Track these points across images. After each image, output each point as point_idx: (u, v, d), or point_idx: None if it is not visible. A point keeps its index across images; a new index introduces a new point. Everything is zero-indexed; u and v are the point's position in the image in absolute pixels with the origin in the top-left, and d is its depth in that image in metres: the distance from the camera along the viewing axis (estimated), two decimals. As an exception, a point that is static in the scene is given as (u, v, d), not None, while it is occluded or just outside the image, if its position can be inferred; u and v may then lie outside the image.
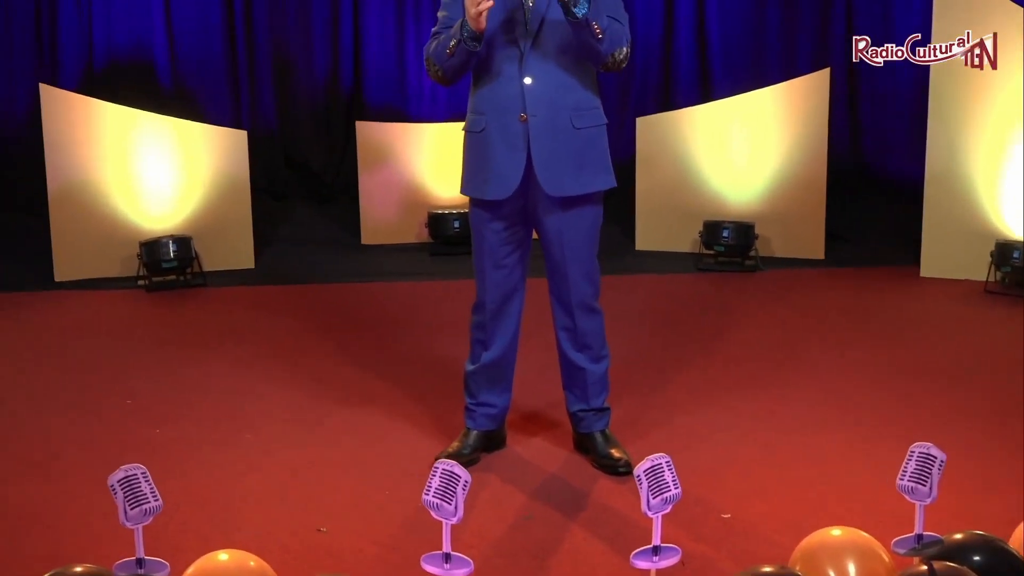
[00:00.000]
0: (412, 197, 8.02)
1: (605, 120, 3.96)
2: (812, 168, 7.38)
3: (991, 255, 6.65)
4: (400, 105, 9.48)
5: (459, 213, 7.74)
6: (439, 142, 7.98)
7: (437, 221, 7.81)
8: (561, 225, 3.91)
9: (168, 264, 6.91)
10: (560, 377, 4.17)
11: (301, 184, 9.47)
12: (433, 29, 3.93)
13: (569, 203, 3.89)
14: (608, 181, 3.97)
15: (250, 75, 9.40)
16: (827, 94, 7.33)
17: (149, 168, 7.16)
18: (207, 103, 9.19)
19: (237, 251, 7.33)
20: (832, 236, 7.58)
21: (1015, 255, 6.52)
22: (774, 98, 7.49)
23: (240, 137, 7.32)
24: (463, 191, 4.01)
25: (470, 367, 4.16)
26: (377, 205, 7.99)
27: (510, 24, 3.77)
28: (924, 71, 9.14)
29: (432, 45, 3.87)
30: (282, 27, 9.43)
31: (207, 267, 7.13)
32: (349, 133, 9.29)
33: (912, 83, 8.95)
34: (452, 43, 3.70)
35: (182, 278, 6.98)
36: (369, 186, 7.96)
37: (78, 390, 5.00)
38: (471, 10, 3.57)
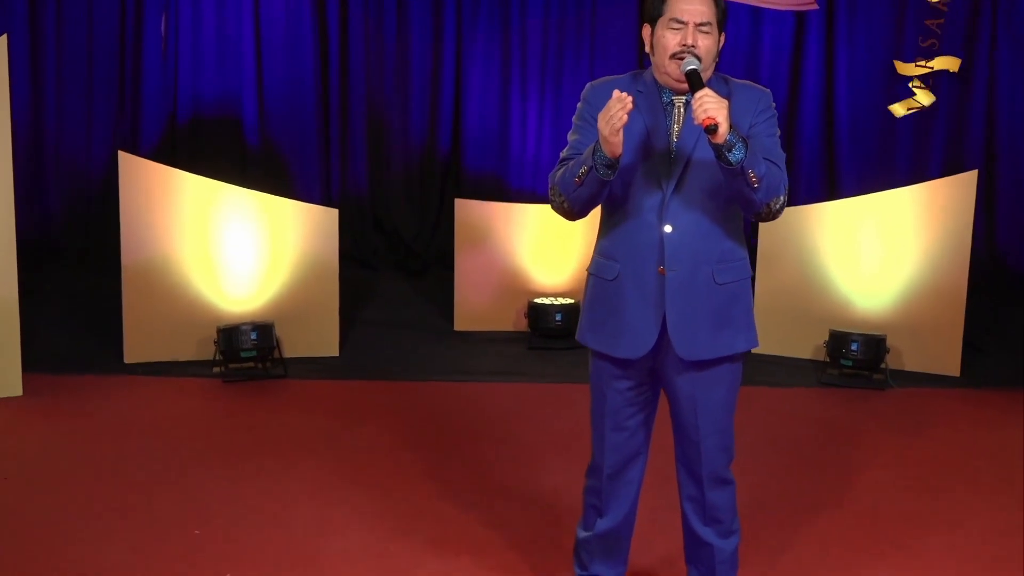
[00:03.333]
0: (511, 282, 7.72)
1: (750, 272, 3.64)
2: (951, 276, 6.95)
3: None
4: (500, 173, 9.23)
5: (561, 305, 7.45)
6: (542, 224, 7.67)
7: (537, 312, 7.50)
8: (695, 389, 3.56)
9: (247, 353, 6.67)
10: (683, 548, 3.84)
11: (390, 253, 9.24)
12: (561, 154, 3.58)
13: (705, 364, 3.55)
14: (750, 341, 3.62)
15: (342, 134, 9.21)
16: (973, 198, 6.92)
17: (231, 245, 6.93)
18: (295, 163, 9.03)
19: (322, 338, 7.06)
20: (969, 346, 7.15)
21: None
22: (913, 199, 7.07)
23: (331, 216, 7.04)
24: (584, 340, 3.64)
25: (582, 534, 3.84)
26: (473, 289, 7.70)
27: (651, 161, 3.42)
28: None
29: (558, 172, 3.50)
30: (379, 86, 9.23)
31: (289, 352, 6.88)
32: (444, 202, 9.10)
33: None
34: (582, 170, 3.33)
35: (261, 366, 6.74)
36: (466, 267, 7.68)
37: (137, 508, 4.67)
38: (604, 128, 3.21)
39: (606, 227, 3.60)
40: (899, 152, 9.15)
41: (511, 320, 7.72)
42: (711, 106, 3.15)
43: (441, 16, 9.13)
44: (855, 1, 9.22)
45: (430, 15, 9.13)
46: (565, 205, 3.49)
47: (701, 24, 3.38)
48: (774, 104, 3.54)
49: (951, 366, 7.05)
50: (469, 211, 7.70)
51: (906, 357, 7.08)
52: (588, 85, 3.62)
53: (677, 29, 3.38)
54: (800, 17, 9.16)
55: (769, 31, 9.30)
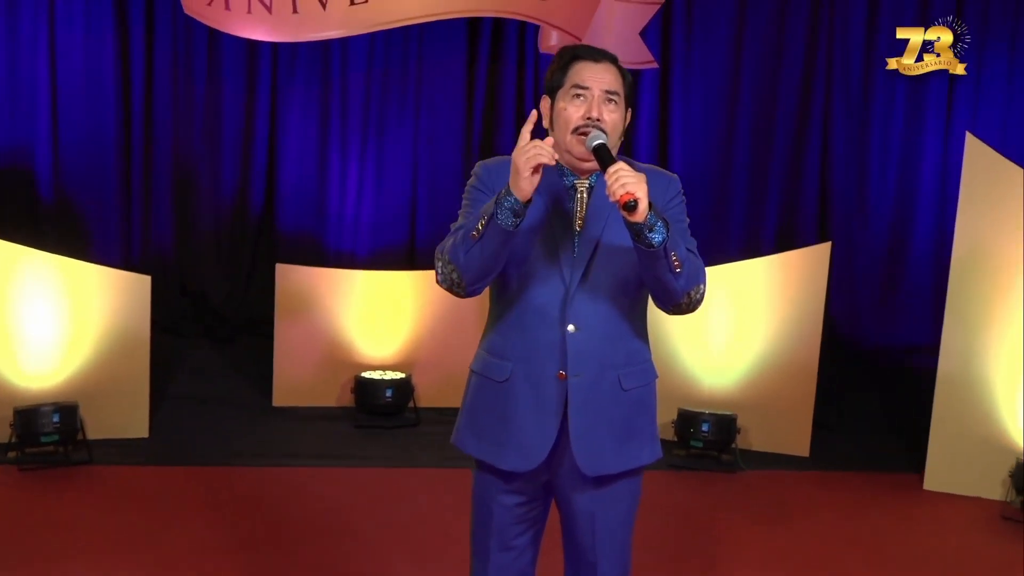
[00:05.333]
0: (335, 354, 7.35)
1: (656, 374, 3.38)
2: (803, 352, 6.88)
3: (1011, 475, 6.22)
4: (318, 234, 8.84)
5: (392, 380, 7.12)
6: (370, 292, 7.34)
7: (365, 387, 7.14)
8: (594, 507, 3.27)
9: (48, 438, 6.12)
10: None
11: (197, 319, 8.74)
12: (452, 225, 3.23)
13: (606, 479, 3.28)
14: (655, 452, 3.36)
15: (146, 190, 8.67)
16: (826, 270, 6.89)
17: (28, 315, 6.39)
18: (94, 220, 8.46)
19: (130, 418, 6.56)
20: (819, 426, 7.09)
21: (1042, 482, 6.09)
22: (764, 270, 6.99)
23: (142, 283, 6.56)
24: (464, 446, 3.32)
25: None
26: (294, 361, 7.30)
27: (552, 250, 3.13)
28: (942, 255, 9.05)
29: (448, 241, 3.13)
30: (187, 137, 8.73)
31: (94, 434, 6.35)
32: (256, 264, 8.68)
33: (923, 265, 8.88)
34: (481, 222, 2.97)
35: (63, 451, 6.21)
36: (286, 338, 7.27)
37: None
38: (520, 161, 2.88)
39: (497, 321, 3.29)
40: (733, 217, 9.13)
41: (334, 395, 7.36)
42: (629, 181, 2.85)
43: (256, 63, 8.71)
44: (691, 58, 9.19)
45: (244, 62, 8.69)
46: (455, 275, 3.10)
47: (608, 92, 3.12)
48: (683, 190, 3.30)
49: (800, 446, 6.98)
50: (291, 277, 7.32)
51: (754, 436, 6.98)
52: (479, 164, 3.29)
53: (580, 98, 3.11)
54: (632, 75, 9.05)
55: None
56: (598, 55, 3.19)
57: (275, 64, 8.73)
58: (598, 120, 3.09)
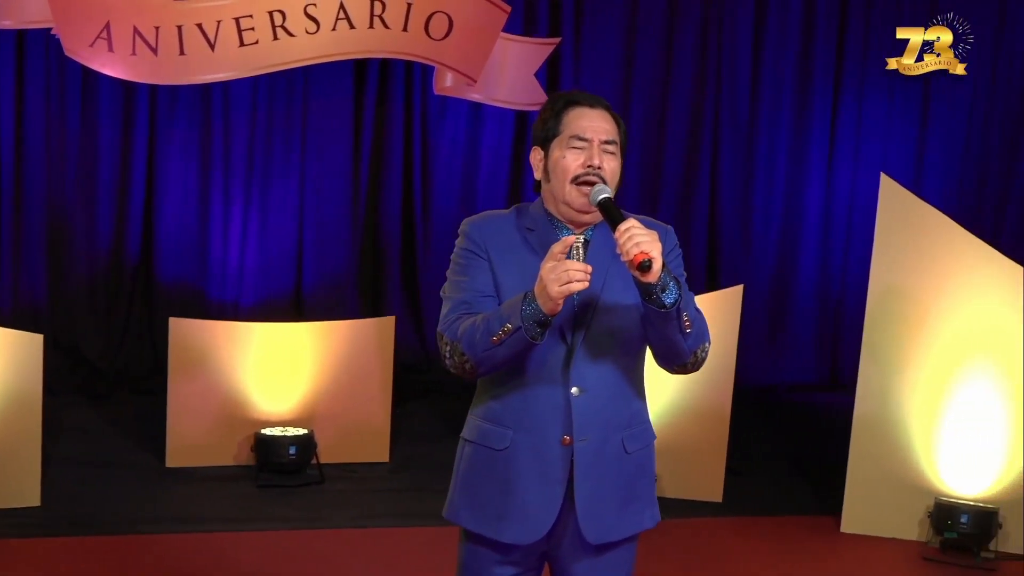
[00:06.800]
0: (233, 411, 7.08)
1: (655, 435, 3.30)
2: (715, 396, 6.85)
3: (929, 516, 6.28)
4: (199, 283, 8.60)
5: (295, 436, 6.90)
6: (267, 345, 7.11)
7: (267, 445, 6.88)
8: (594, 575, 3.20)
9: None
10: None
11: (71, 374, 8.40)
12: (453, 297, 3.12)
13: (607, 546, 3.18)
14: (655, 517, 3.28)
15: (15, 237, 8.35)
16: (738, 314, 6.89)
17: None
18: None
19: (20, 486, 6.20)
20: (731, 472, 7.08)
21: (963, 519, 6.13)
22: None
23: (34, 342, 6.23)
24: (458, 519, 3.20)
25: None
26: (189, 418, 7.00)
27: None
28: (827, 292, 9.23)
29: (461, 325, 3.00)
30: (59, 182, 8.43)
31: (-18, 507, 6.04)
32: (132, 315, 8.39)
33: (807, 302, 9.03)
34: (505, 327, 2.86)
35: (-52, 526, 5.88)
36: (180, 394, 6.98)
37: None
38: (553, 283, 2.77)
39: (493, 386, 3.15)
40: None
41: (232, 453, 7.09)
42: (643, 239, 2.79)
43: (133, 105, 8.42)
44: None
45: (120, 104, 8.41)
46: (468, 366, 3.00)
47: (606, 142, 3.05)
48: (679, 241, 3.23)
49: (714, 492, 6.93)
50: (184, 330, 7.04)
51: (667, 483, 6.91)
52: (466, 221, 3.18)
53: (579, 149, 3.03)
54: (523, 115, 9.03)
55: (490, 128, 9.12)
56: (593, 101, 3.13)
57: (153, 106, 8.47)
58: (599, 168, 3.01)
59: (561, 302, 2.81)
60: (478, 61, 8.06)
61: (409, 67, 8.81)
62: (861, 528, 6.47)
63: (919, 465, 6.40)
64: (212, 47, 7.46)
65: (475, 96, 8.47)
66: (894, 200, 6.37)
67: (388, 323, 7.29)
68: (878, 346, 6.41)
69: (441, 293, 3.17)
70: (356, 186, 8.93)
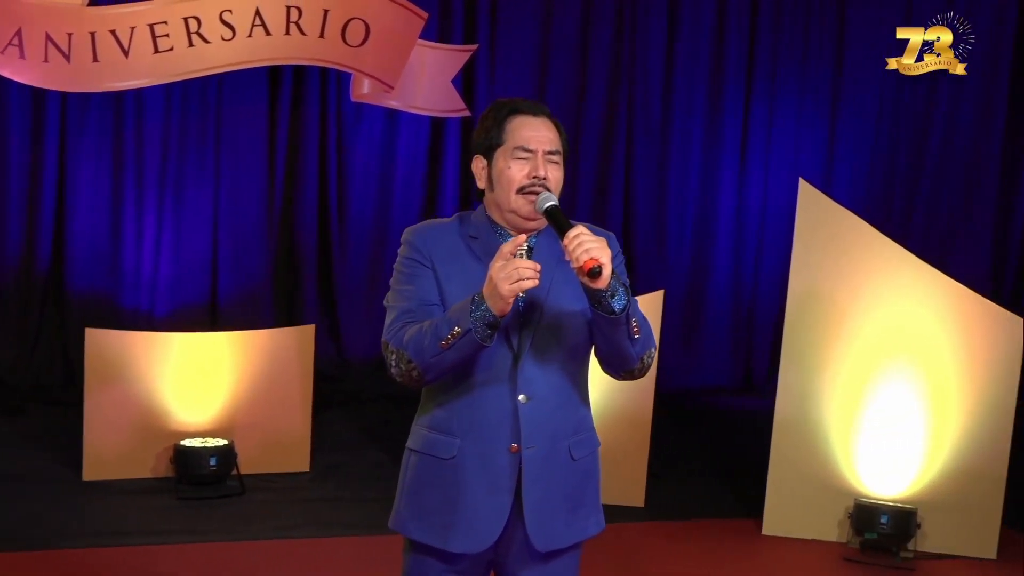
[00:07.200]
0: (151, 423, 6.99)
1: (599, 442, 3.33)
2: (638, 401, 6.91)
3: (849, 517, 6.39)
4: (112, 293, 8.49)
5: (215, 447, 6.84)
6: (186, 356, 7.03)
7: (187, 456, 6.81)
8: (541, 583, 3.22)
9: None
10: None
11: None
12: (397, 306, 3.10)
13: (554, 553, 3.20)
14: (600, 523, 3.32)
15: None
16: (659, 318, 6.95)
17: None
18: None
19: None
20: (652, 476, 7.14)
21: (883, 519, 6.25)
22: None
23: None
24: (405, 530, 3.20)
25: None
26: (107, 431, 6.88)
27: None
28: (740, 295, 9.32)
29: (407, 333, 2.99)
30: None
31: None
32: (43, 326, 8.26)
33: (722, 305, 9.12)
34: (454, 331, 2.86)
35: None
36: (97, 406, 6.87)
37: None
38: (503, 282, 2.79)
39: (439, 395, 3.14)
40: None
41: (150, 466, 7.00)
42: (592, 246, 2.81)
43: (43, 112, 8.31)
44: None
45: (29, 111, 8.29)
46: (415, 373, 2.99)
47: (550, 152, 3.07)
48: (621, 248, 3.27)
49: (636, 496, 6.99)
50: (101, 341, 6.93)
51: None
52: (408, 230, 3.18)
53: (523, 159, 3.05)
54: (438, 122, 9.05)
55: (405, 134, 9.12)
56: (536, 109, 3.14)
57: (64, 113, 8.38)
58: (544, 179, 3.03)
59: (511, 301, 2.82)
60: (395, 68, 8.05)
61: (324, 73, 8.78)
62: (782, 530, 6.56)
63: (839, 467, 6.50)
64: (126, 54, 7.37)
65: (392, 103, 8.47)
66: (812, 205, 6.47)
67: (308, 332, 7.25)
68: (798, 349, 6.50)
69: (385, 303, 3.16)
70: (271, 194, 8.88)
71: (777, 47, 9.81)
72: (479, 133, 3.16)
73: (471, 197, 9.26)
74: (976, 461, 6.32)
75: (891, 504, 6.31)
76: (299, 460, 7.27)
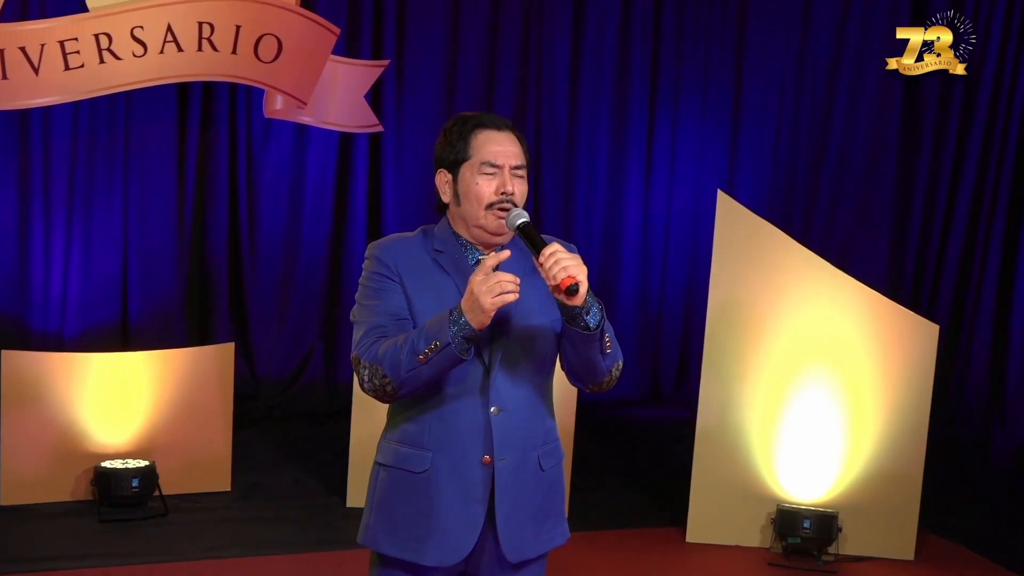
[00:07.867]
0: (69, 445, 6.90)
1: (564, 453, 3.39)
2: (560, 415, 6.95)
3: (772, 522, 6.52)
4: (20, 314, 8.35)
5: (136, 469, 6.77)
6: (103, 377, 6.95)
7: (108, 478, 6.72)
8: (509, 595, 3.26)
9: None
10: None
11: None
12: (366, 321, 3.11)
13: (523, 563, 3.25)
14: (565, 533, 3.38)
15: None
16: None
17: None
18: None
19: None
20: (573, 487, 7.20)
21: (805, 524, 6.39)
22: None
23: None
24: (376, 545, 3.22)
25: None
26: (24, 454, 6.78)
27: None
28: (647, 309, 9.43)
29: (381, 347, 3.01)
30: None
31: None
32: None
33: (628, 318, 9.22)
34: (432, 345, 2.88)
35: None
36: (14, 430, 6.77)
37: None
38: (485, 295, 2.82)
39: (407, 409, 3.18)
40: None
41: (70, 489, 6.92)
42: (569, 264, 2.86)
43: (-55, 130, 8.17)
44: (402, 122, 9.26)
45: (-69, 129, 8.15)
46: (389, 388, 3.01)
47: (516, 167, 3.13)
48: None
49: (559, 508, 7.05)
50: (18, 363, 6.83)
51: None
52: (373, 245, 3.22)
53: (490, 175, 3.10)
54: (347, 137, 9.05)
55: (314, 151, 9.11)
56: (500, 123, 3.19)
57: (-32, 132, 8.22)
58: (512, 194, 3.09)
59: (492, 314, 2.86)
60: (309, 83, 8.04)
61: (233, 89, 8.74)
62: (706, 537, 6.68)
63: (761, 473, 6.64)
64: (36, 71, 7.27)
65: (305, 119, 8.45)
66: (730, 216, 6.59)
67: (228, 350, 7.21)
68: (718, 358, 6.62)
69: (352, 318, 3.18)
70: (181, 212, 8.81)
71: (680, 55, 9.96)
72: (443, 147, 3.20)
73: (380, 214, 9.28)
74: (893, 465, 6.51)
75: (812, 509, 6.46)
76: (220, 480, 7.24)
